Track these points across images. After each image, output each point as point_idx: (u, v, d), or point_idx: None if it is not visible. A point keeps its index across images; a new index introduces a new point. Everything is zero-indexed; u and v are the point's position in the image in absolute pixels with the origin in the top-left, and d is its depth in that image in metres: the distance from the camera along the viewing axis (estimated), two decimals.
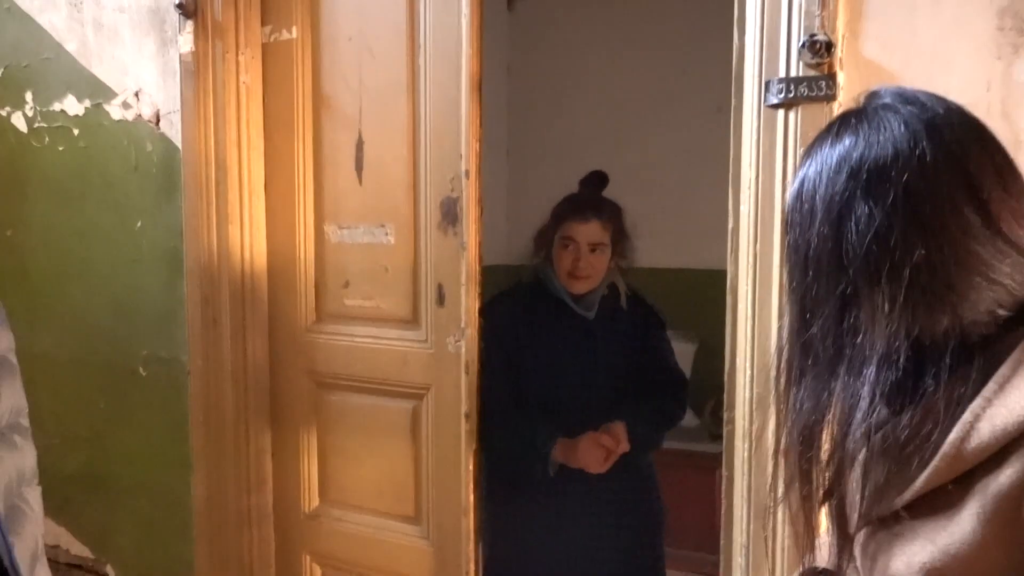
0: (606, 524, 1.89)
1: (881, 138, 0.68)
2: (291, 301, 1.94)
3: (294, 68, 1.88)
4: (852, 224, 0.68)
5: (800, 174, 0.75)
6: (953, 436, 0.64)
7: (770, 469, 1.31)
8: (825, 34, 1.21)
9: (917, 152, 0.67)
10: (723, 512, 1.43)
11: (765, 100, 1.29)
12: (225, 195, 1.90)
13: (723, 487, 1.43)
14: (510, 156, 3.74)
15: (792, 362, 0.74)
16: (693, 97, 3.33)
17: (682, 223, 3.37)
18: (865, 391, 0.68)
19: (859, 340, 0.68)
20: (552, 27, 3.67)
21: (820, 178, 0.71)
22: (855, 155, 0.69)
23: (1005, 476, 0.61)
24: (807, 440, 0.73)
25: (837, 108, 1.24)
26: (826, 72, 1.23)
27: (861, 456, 0.72)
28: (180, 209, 1.92)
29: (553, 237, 1.90)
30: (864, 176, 0.68)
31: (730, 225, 1.44)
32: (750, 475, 1.36)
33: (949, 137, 0.67)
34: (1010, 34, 1.16)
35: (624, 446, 1.81)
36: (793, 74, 1.26)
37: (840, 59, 1.23)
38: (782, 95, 1.27)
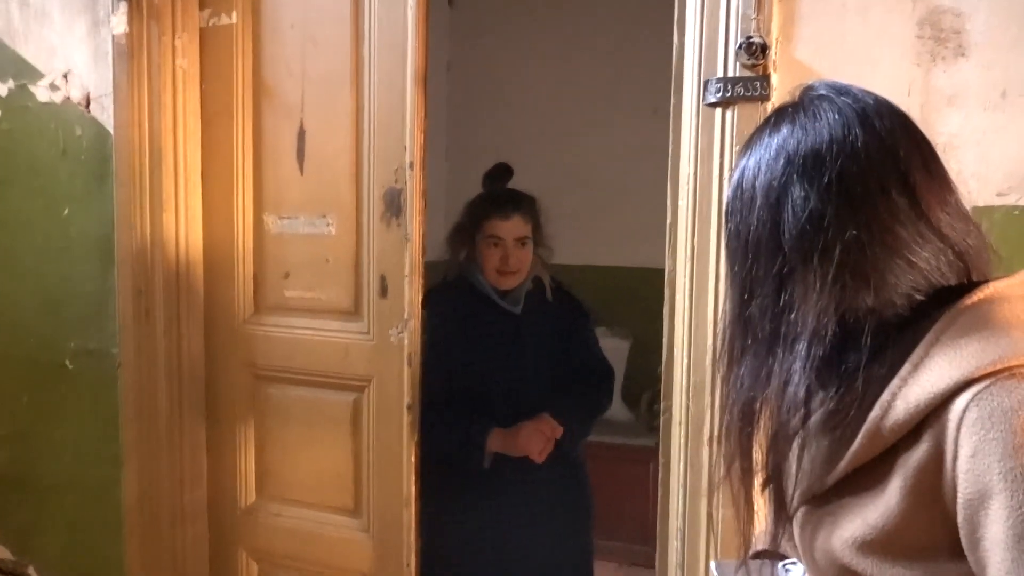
0: (540, 514, 1.92)
1: (817, 125, 0.72)
2: (228, 292, 1.91)
3: (234, 54, 1.84)
4: (789, 207, 0.71)
5: (740, 165, 0.79)
6: (873, 415, 0.68)
7: (707, 451, 1.37)
8: (760, 36, 1.27)
9: (850, 138, 0.71)
10: (659, 498, 1.48)
11: (704, 99, 1.34)
12: (159, 182, 1.85)
13: (660, 473, 1.48)
14: (449, 153, 3.74)
15: (733, 342, 0.78)
16: (630, 99, 3.40)
17: (618, 222, 3.44)
18: (796, 366, 0.71)
19: (793, 316, 0.72)
20: (493, 25, 3.68)
21: (760, 166, 0.75)
22: (792, 142, 0.73)
23: (921, 451, 0.65)
24: (747, 416, 0.76)
25: (771, 108, 1.29)
26: (761, 73, 1.29)
27: (799, 434, 0.75)
28: (111, 196, 1.86)
29: (475, 236, 1.91)
30: (800, 161, 0.72)
31: (668, 220, 1.49)
32: (686, 461, 1.40)
33: (879, 125, 0.72)
34: (928, 43, 1.24)
35: (558, 431, 1.86)
36: (731, 74, 1.31)
37: (774, 61, 1.29)
38: (719, 94, 1.32)
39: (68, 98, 1.90)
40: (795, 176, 0.72)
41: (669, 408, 1.48)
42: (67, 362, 1.95)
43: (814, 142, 0.72)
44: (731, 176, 0.81)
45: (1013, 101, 1.20)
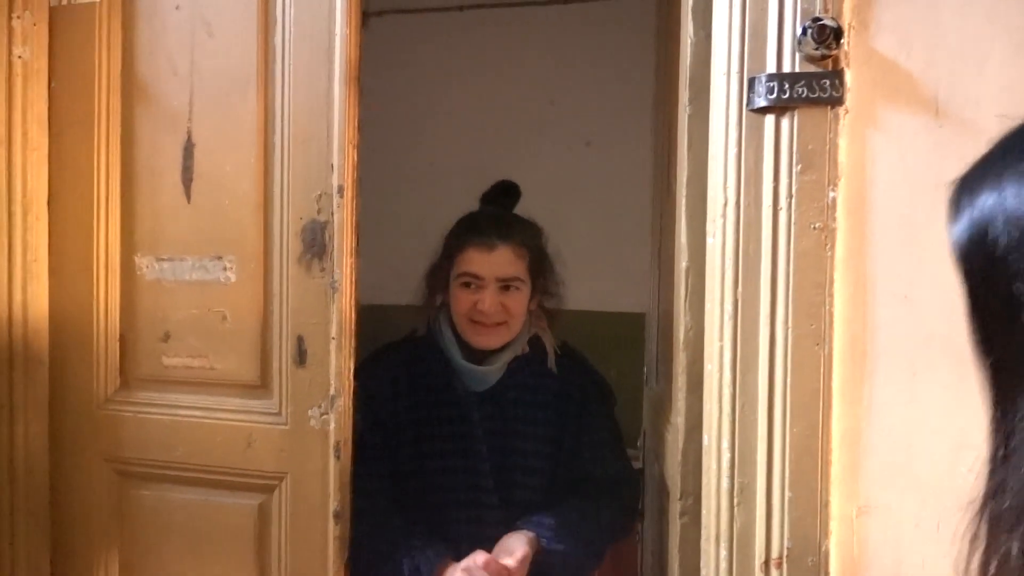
0: None
1: None
2: (84, 361, 1.42)
3: (97, 42, 1.39)
4: None
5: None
6: None
7: None
8: (833, 19, 0.95)
9: None
10: None
11: (748, 103, 1.01)
12: None
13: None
14: (362, 189, 3.34)
15: None
16: (561, 129, 3.14)
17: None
18: None
19: None
20: (410, 49, 3.35)
21: None
22: None
23: None
24: None
25: (843, 115, 0.98)
26: (831, 68, 0.97)
27: None
28: None
29: (449, 274, 1.45)
30: None
31: (683, 264, 1.15)
32: None
33: None
34: None
35: (516, 562, 1.29)
36: (787, 69, 0.99)
37: (847, 52, 0.97)
38: (773, 95, 0.98)
39: None
40: None
41: (693, 511, 1.12)
42: None
43: None
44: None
45: None
